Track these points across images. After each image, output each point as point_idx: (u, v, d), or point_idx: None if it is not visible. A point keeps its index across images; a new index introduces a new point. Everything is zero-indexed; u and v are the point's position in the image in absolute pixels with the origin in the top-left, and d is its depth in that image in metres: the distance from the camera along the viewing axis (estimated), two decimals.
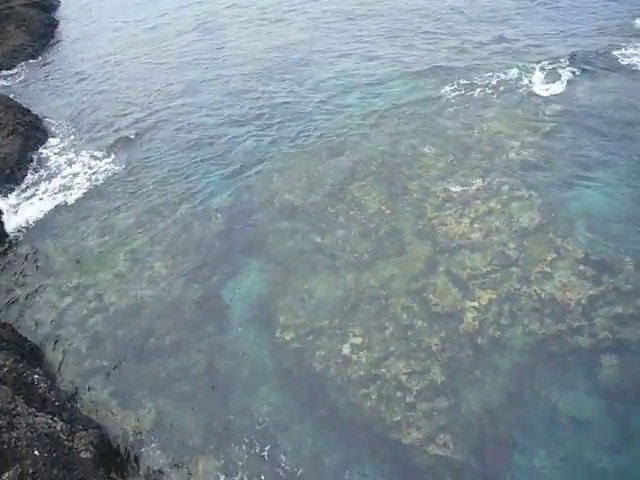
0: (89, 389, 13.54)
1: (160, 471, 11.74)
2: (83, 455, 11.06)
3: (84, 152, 22.52)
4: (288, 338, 13.96)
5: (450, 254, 15.04)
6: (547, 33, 25.19)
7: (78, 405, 13.15)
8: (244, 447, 11.94)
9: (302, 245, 16.36)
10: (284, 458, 11.64)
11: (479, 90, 21.43)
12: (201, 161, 20.65)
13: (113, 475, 11.47)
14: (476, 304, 13.72)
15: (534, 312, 13.35)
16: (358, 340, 13.51)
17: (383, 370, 12.81)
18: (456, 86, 21.82)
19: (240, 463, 11.68)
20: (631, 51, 22.31)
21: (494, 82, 21.69)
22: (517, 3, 28.91)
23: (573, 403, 11.64)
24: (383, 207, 16.93)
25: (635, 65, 21.56)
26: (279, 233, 16.89)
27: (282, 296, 15.04)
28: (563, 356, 12.46)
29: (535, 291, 13.73)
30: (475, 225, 15.68)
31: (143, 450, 12.18)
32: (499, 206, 16.12)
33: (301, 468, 11.44)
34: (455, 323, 13.43)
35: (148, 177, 20.30)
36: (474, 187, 16.92)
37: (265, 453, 11.76)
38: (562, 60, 22.40)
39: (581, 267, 14.05)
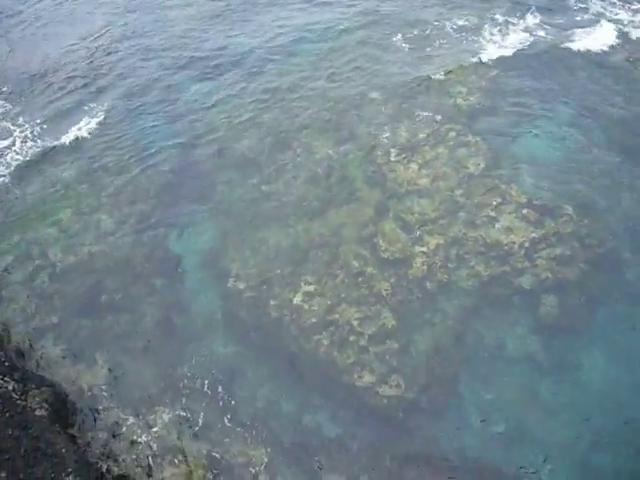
0: (40, 347, 13.29)
1: (118, 424, 11.80)
2: (38, 413, 11.00)
3: (24, 106, 21.20)
4: (241, 287, 14.01)
5: (399, 200, 15.25)
6: None
7: (30, 364, 12.94)
8: (201, 396, 12.11)
9: (251, 194, 16.21)
10: (242, 406, 11.91)
11: (427, 38, 21.19)
12: (146, 110, 19.86)
13: (71, 431, 11.47)
14: (425, 249, 14.06)
15: (480, 255, 13.82)
16: (310, 288, 13.70)
17: (336, 316, 13.10)
18: (404, 34, 21.48)
19: (198, 412, 11.87)
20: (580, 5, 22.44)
21: (442, 31, 21.45)
22: None
23: (515, 340, 12.31)
24: (332, 153, 16.86)
25: (581, 13, 21.76)
26: (227, 183, 16.64)
27: (233, 246, 14.98)
28: (507, 296, 13.05)
29: (481, 235, 14.16)
30: (423, 171, 15.87)
31: (100, 405, 12.17)
32: (446, 152, 16.32)
33: (259, 414, 11.75)
34: (404, 268, 13.76)
35: (90, 129, 19.39)
36: (422, 133, 17.01)
37: (222, 402, 11.98)
38: (509, 9, 22.34)
39: (524, 211, 14.53)
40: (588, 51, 19.54)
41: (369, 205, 15.28)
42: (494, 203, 14.81)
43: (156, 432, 11.61)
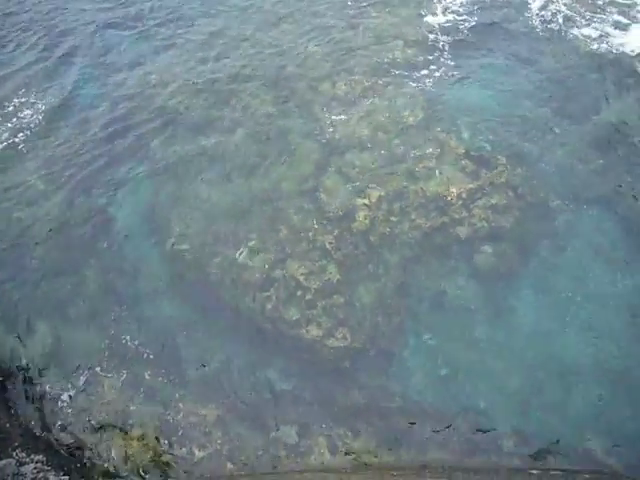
0: None
1: (63, 394, 11.46)
2: None
3: None
4: (183, 247, 13.72)
5: (339, 154, 15.19)
6: None
7: None
8: (148, 360, 11.91)
9: (189, 151, 15.73)
10: (190, 367, 11.81)
11: None
12: (74, 66, 18.69)
13: (12, 405, 11.06)
14: (366, 202, 14.16)
15: (420, 207, 14.04)
16: (254, 244, 13.58)
17: (281, 272, 13.08)
18: None
19: (145, 377, 11.69)
20: None
21: None
22: None
23: (456, 288, 12.69)
24: (270, 109, 16.54)
25: None
26: (164, 140, 16.05)
27: (172, 205, 14.57)
28: (446, 246, 13.39)
29: (421, 187, 14.37)
30: (362, 124, 15.84)
31: (43, 376, 11.74)
32: (385, 104, 16.33)
33: (208, 374, 11.69)
34: (347, 222, 13.83)
35: (12, 86, 18.06)
36: (360, 86, 16.91)
37: (170, 364, 11.83)
38: None
39: (462, 162, 14.82)
40: (526, 11, 19.74)
41: (309, 159, 15.16)
42: (433, 155, 15.01)
43: (104, 399, 11.36)
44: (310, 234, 13.71)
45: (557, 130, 15.66)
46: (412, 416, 11.07)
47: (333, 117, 16.07)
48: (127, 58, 18.98)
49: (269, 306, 12.58)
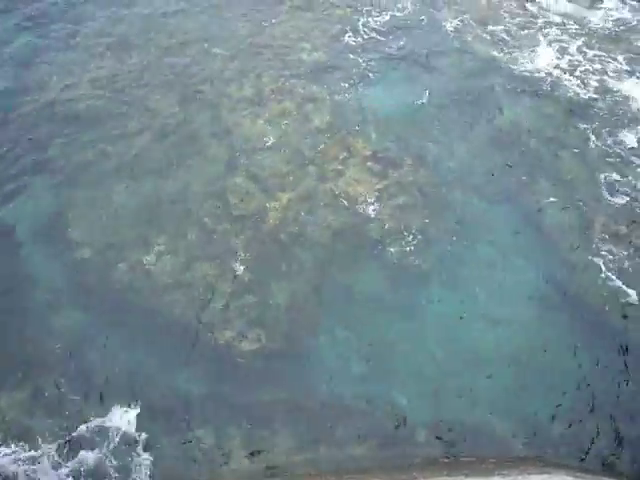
0: None
1: None
2: None
3: None
4: (87, 255, 12.99)
5: (248, 155, 15.05)
6: None
7: None
8: (54, 372, 11.13)
9: (91, 154, 14.99)
10: (99, 375, 11.16)
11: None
12: None
13: None
14: (277, 203, 14.09)
15: (330, 207, 14.17)
16: (162, 248, 13.11)
17: (191, 274, 12.71)
18: None
19: (51, 389, 10.92)
20: None
21: None
22: None
23: (366, 284, 12.90)
24: (177, 110, 16.12)
25: None
26: (64, 144, 15.17)
27: (75, 211, 13.80)
28: (357, 244, 13.58)
29: (330, 188, 14.51)
30: (271, 126, 15.81)
31: None
32: (293, 106, 16.39)
33: (118, 381, 11.09)
34: (258, 223, 13.70)
35: None
36: (268, 88, 16.88)
37: (77, 374, 11.13)
38: None
39: (369, 163, 15.13)
40: (436, 25, 20.53)
41: (218, 161, 14.91)
42: (341, 157, 15.22)
43: (6, 416, 10.51)
44: (220, 236, 13.45)
45: (458, 132, 16.37)
46: (330, 414, 11.05)
47: (241, 119, 15.91)
48: (23, 58, 17.82)
49: (179, 310, 12.17)
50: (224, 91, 16.79)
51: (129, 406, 10.78)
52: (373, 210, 14.24)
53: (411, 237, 13.81)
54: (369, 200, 14.40)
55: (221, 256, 13.05)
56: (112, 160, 14.89)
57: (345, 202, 14.31)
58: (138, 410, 10.73)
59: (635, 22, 21.51)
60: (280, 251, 13.25)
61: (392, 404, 11.22)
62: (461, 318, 12.48)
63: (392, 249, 13.56)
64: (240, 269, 12.86)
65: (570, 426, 11.12)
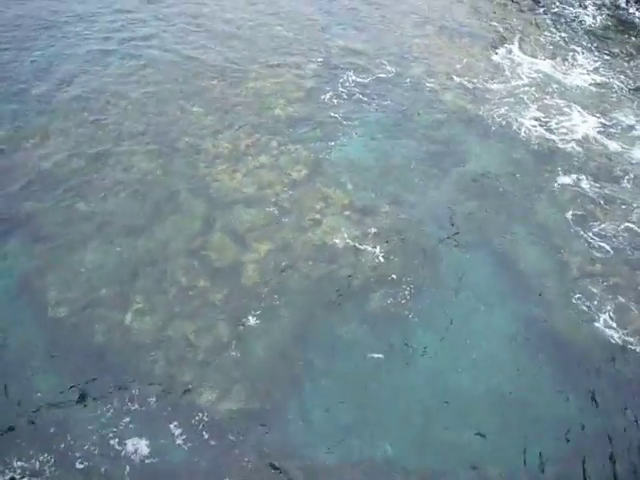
0: None
1: None
2: None
3: None
4: (62, 315, 12.75)
5: (225, 210, 15.12)
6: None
7: None
8: (26, 439, 10.73)
9: (68, 215, 14.89)
10: (77, 443, 10.74)
11: (242, 50, 21.40)
12: None
13: None
14: (255, 256, 14.09)
15: (309, 258, 14.20)
16: (140, 306, 12.95)
17: (170, 332, 12.52)
18: (221, 45, 21.50)
19: (28, 458, 10.50)
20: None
21: (257, 44, 21.81)
22: None
23: (349, 333, 12.81)
24: (153, 167, 16.21)
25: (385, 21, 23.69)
26: (40, 205, 15.06)
27: (51, 272, 13.59)
28: (338, 294, 13.55)
29: (308, 239, 14.58)
30: (248, 180, 15.96)
31: None
32: (270, 160, 16.61)
33: (93, 448, 10.70)
34: (237, 277, 13.64)
35: None
36: (244, 143, 17.12)
37: (54, 442, 10.71)
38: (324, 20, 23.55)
39: (346, 213, 15.30)
40: (404, 73, 21.23)
41: (196, 217, 14.94)
42: (318, 207, 15.37)
43: None
44: (199, 292, 13.34)
45: (432, 179, 16.68)
46: (313, 471, 10.77)
47: (218, 174, 16.05)
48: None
49: (158, 369, 11.92)
50: (201, 147, 16.98)
51: (105, 471, 10.42)
52: (352, 258, 14.29)
53: (391, 284, 13.86)
54: (348, 249, 14.47)
55: (200, 313, 12.92)
56: (88, 218, 14.82)
57: (324, 252, 14.36)
58: (114, 476, 10.37)
59: (604, 77, 22.44)
60: (260, 305, 13.16)
61: (378, 456, 10.99)
62: (445, 364, 12.44)
63: (373, 297, 13.56)
64: (220, 325, 12.73)
65: (559, 470, 10.99)
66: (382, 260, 14.31)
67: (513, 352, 12.83)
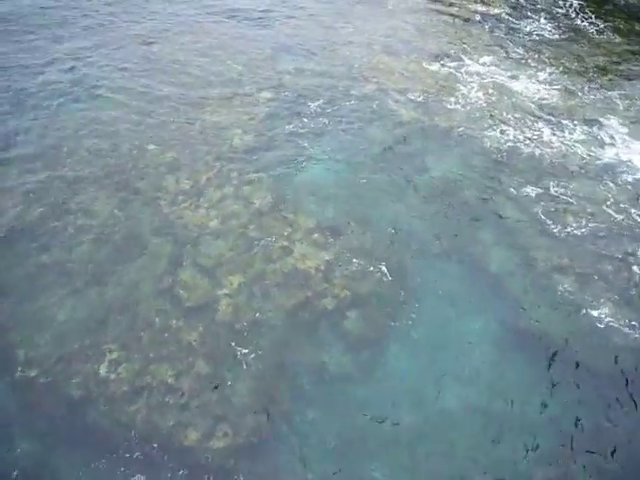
0: None
1: None
2: None
3: None
4: (33, 374, 12.34)
5: (192, 246, 14.93)
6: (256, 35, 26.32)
7: None
8: None
9: (31, 268, 14.49)
10: None
11: (194, 86, 21.34)
12: None
13: None
14: (227, 290, 13.92)
15: (281, 286, 14.08)
16: (115, 356, 12.62)
17: (148, 378, 12.22)
18: (172, 83, 21.44)
19: None
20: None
21: (208, 79, 21.81)
22: None
23: (329, 359, 12.71)
24: (115, 211, 15.94)
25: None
26: (1, 261, 14.71)
27: (17, 329, 13.19)
28: (314, 320, 13.45)
29: (280, 266, 14.48)
30: (212, 213, 15.82)
31: None
32: (232, 191, 16.51)
33: None
34: (211, 313, 13.44)
35: None
36: (204, 177, 17.00)
37: None
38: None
39: (314, 236, 15.26)
40: (357, 92, 21.50)
41: (163, 256, 14.71)
42: (286, 234, 15.30)
43: None
44: (174, 333, 13.09)
45: (396, 193, 16.80)
46: None
47: (181, 211, 15.88)
48: None
49: (140, 417, 11.60)
50: (161, 185, 16.79)
51: None
52: (325, 282, 14.23)
53: (366, 304, 13.84)
54: (320, 272, 14.42)
55: (177, 354, 12.66)
56: (52, 269, 14.45)
57: (297, 278, 14.27)
58: None
59: (557, 84, 23.14)
60: (236, 339, 12.97)
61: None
62: (426, 379, 12.42)
63: (349, 319, 13.51)
64: (198, 364, 12.49)
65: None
66: (355, 280, 14.29)
67: (495, 361, 12.86)
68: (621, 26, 29.67)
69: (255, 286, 14.04)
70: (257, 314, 13.47)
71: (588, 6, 30.63)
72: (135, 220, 15.72)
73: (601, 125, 20.85)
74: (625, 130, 20.73)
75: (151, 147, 18.31)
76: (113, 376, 12.34)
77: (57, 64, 22.39)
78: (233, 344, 12.85)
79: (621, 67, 25.35)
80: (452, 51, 25.07)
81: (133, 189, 16.70)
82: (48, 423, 11.65)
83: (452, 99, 21.30)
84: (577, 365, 12.81)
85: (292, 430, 11.56)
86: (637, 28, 29.99)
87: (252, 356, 12.68)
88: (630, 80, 24.63)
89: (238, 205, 16.11)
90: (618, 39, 28.06)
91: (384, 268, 14.63)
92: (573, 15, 29.70)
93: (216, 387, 12.14)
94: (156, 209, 15.99)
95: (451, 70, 23.29)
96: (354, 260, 14.76)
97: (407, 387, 12.27)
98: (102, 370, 12.44)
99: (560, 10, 30.30)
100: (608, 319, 13.71)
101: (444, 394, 12.13)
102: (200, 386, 12.16)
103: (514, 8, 30.35)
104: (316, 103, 20.55)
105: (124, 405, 11.85)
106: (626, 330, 13.53)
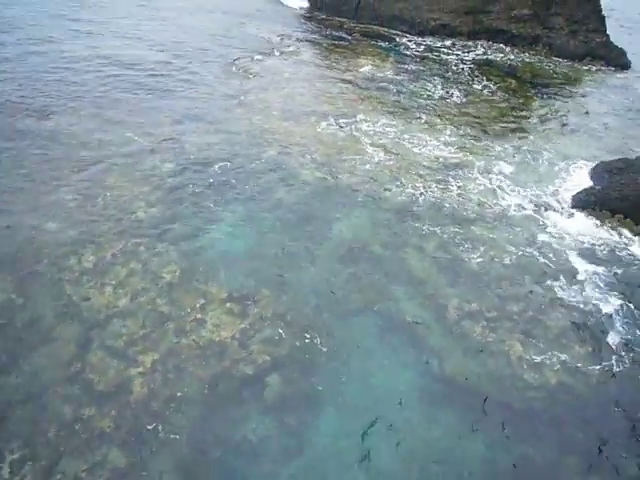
0: None
1: None
2: None
3: None
4: None
5: (101, 327, 14.30)
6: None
7: None
8: None
9: None
10: None
11: (95, 161, 20.91)
12: None
13: None
14: (141, 369, 13.38)
15: (198, 359, 13.75)
16: (16, 456, 11.52)
17: (58, 476, 11.30)
18: (68, 160, 20.87)
19: None
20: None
21: (107, 154, 21.50)
22: None
23: (253, 430, 12.44)
24: (13, 296, 15.04)
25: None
26: None
27: None
28: (233, 390, 13.19)
29: (194, 340, 14.17)
30: (120, 291, 15.32)
31: None
32: (140, 266, 16.13)
33: None
34: (125, 396, 12.81)
35: None
36: (109, 253, 16.50)
37: None
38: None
39: (228, 305, 15.15)
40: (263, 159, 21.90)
41: (69, 341, 13.94)
42: (198, 306, 15.07)
43: None
44: (86, 422, 12.30)
45: (307, 255, 17.14)
46: None
47: (86, 291, 15.24)
48: None
49: None
50: (63, 265, 16.10)
51: None
52: (243, 350, 14.06)
53: (286, 368, 13.77)
54: (236, 341, 14.24)
55: (89, 446, 11.87)
56: None
57: (213, 349, 14.01)
58: None
59: (451, 140, 24.80)
60: (153, 420, 12.40)
61: None
62: (357, 436, 12.43)
63: (271, 386, 13.36)
64: (113, 454, 11.76)
65: None
66: (273, 345, 14.26)
67: (420, 410, 13.17)
68: (500, 84, 32.75)
69: (170, 362, 13.61)
70: (174, 391, 13.01)
71: (475, 68, 33.75)
72: (36, 305, 14.87)
73: (492, 173, 22.59)
74: (513, 176, 22.59)
75: (49, 226, 17.57)
76: (17, 479, 11.33)
77: None
78: (150, 427, 12.26)
79: (504, 120, 27.82)
80: (349, 113, 26.45)
81: (32, 272, 15.85)
82: None
83: (353, 158, 22.33)
84: (497, 405, 13.38)
85: None
86: (512, 85, 33.24)
87: (171, 437, 12.14)
88: (513, 132, 27.03)
89: (146, 280, 15.73)
90: (498, 96, 30.89)
91: (302, 330, 14.72)
92: (468, 77, 32.73)
93: (135, 476, 11.44)
94: (59, 291, 15.23)
95: (349, 131, 24.51)
96: (271, 325, 14.76)
97: (336, 448, 12.22)
98: (4, 473, 11.39)
99: (449, 74, 33.14)
100: (516, 359, 14.50)
101: (378, 450, 12.19)
102: (117, 477, 11.41)
103: (408, 72, 32.77)
104: (220, 170, 20.81)
105: None
106: (533, 368, 14.35)
